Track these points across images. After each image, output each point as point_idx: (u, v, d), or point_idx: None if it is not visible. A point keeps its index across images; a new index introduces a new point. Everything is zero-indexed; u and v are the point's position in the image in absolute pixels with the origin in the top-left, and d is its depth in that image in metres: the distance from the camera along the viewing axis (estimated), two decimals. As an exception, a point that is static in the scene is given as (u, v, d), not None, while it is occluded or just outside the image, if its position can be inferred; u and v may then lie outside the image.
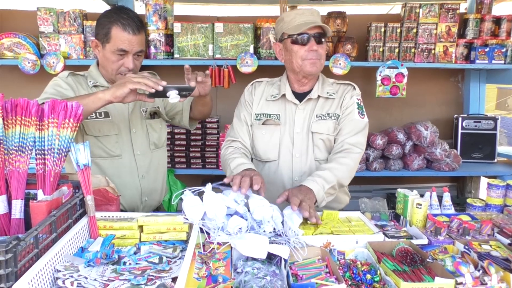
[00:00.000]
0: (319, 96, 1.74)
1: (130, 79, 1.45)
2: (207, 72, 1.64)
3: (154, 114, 1.86)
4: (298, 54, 1.66)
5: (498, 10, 3.19)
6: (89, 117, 1.66)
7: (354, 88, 1.79)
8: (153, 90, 1.43)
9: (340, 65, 2.87)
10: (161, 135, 1.89)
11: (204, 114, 1.94)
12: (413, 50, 2.96)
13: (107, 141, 1.73)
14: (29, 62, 2.80)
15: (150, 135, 1.83)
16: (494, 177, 2.96)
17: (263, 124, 1.77)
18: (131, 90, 1.46)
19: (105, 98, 1.45)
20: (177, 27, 2.84)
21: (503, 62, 2.95)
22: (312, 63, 1.65)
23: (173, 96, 1.48)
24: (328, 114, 1.73)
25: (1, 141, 1.12)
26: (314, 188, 1.49)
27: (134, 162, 1.78)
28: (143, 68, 1.77)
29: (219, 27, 2.84)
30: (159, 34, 2.84)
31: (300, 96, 1.76)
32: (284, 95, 1.75)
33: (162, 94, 1.47)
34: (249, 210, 1.33)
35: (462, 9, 3.19)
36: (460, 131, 3.22)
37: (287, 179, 1.74)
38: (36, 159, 1.18)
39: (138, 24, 1.63)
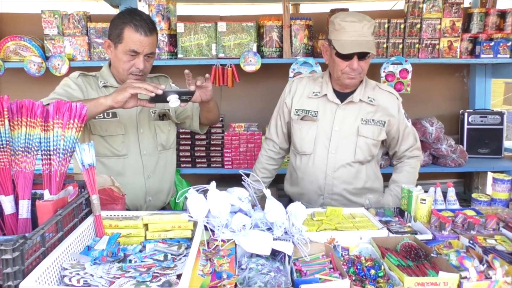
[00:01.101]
0: (360, 100, 1.81)
1: (130, 84, 1.48)
2: (207, 75, 1.65)
3: (163, 116, 1.87)
4: (339, 67, 1.72)
5: (503, 3, 3.16)
6: (96, 117, 1.68)
7: (397, 98, 1.87)
8: (153, 95, 1.46)
9: (344, 62, 2.87)
10: (169, 136, 1.90)
11: (210, 120, 1.96)
12: (417, 45, 2.94)
13: (113, 140, 1.75)
14: (34, 65, 2.83)
15: (158, 136, 1.84)
16: (501, 172, 2.93)
17: (301, 119, 1.86)
18: (132, 95, 1.48)
19: (106, 104, 1.49)
20: (180, 27, 2.85)
21: (508, 56, 2.92)
22: (350, 78, 1.73)
23: (173, 100, 1.49)
24: (373, 120, 1.82)
25: (8, 142, 1.13)
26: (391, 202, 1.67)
27: (141, 162, 1.80)
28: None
29: (222, 26, 2.84)
30: (162, 34, 2.85)
31: (342, 96, 1.83)
32: (325, 95, 1.83)
33: (162, 99, 1.49)
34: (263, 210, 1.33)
35: (466, 3, 3.16)
36: (466, 126, 3.19)
37: (321, 172, 1.84)
38: (42, 160, 1.19)
39: (150, 26, 1.66)
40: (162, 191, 1.89)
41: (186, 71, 1.60)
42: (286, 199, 3.05)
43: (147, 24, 1.64)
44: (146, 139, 1.81)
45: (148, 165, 1.82)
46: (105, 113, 1.72)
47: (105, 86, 1.75)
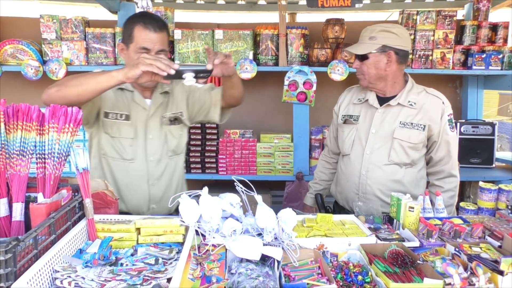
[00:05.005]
0: (398, 103, 1.88)
1: (143, 61, 1.44)
2: (228, 53, 1.61)
3: (175, 120, 1.83)
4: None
5: (494, 17, 3.22)
6: (109, 117, 1.70)
7: (443, 103, 1.89)
8: (165, 74, 1.44)
9: (339, 71, 2.91)
10: (180, 141, 1.87)
11: (235, 98, 1.85)
12: (410, 56, 2.99)
13: (122, 143, 1.74)
14: (32, 68, 2.85)
15: (168, 141, 1.81)
16: (493, 182, 2.95)
17: (344, 123, 2.02)
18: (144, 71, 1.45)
19: (118, 78, 1.46)
20: (177, 34, 2.88)
21: (500, 68, 2.98)
22: (359, 78, 1.93)
23: (189, 78, 1.48)
24: (412, 123, 1.85)
25: (3, 146, 1.15)
26: None
27: (146, 168, 1.77)
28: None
29: (219, 33, 2.88)
30: (160, 41, 2.88)
31: (384, 101, 1.93)
32: (367, 100, 1.95)
33: (178, 76, 1.47)
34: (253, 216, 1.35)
35: (459, 16, 3.22)
36: (458, 136, 3.23)
37: (356, 171, 1.94)
38: (37, 163, 1.21)
39: (160, 23, 1.66)
40: (168, 199, 1.81)
41: (206, 46, 1.61)
42: (279, 205, 3.07)
43: (156, 22, 1.65)
44: (154, 145, 1.78)
45: (154, 171, 1.78)
46: (118, 115, 1.72)
47: (120, 89, 1.74)
